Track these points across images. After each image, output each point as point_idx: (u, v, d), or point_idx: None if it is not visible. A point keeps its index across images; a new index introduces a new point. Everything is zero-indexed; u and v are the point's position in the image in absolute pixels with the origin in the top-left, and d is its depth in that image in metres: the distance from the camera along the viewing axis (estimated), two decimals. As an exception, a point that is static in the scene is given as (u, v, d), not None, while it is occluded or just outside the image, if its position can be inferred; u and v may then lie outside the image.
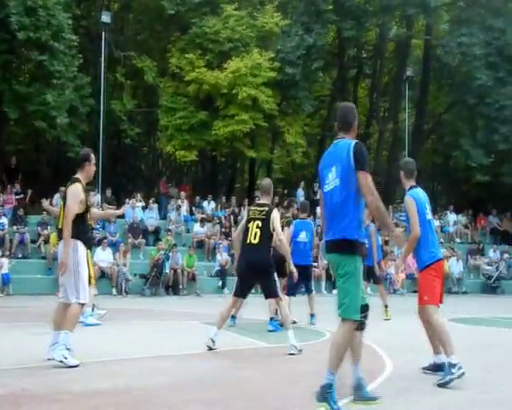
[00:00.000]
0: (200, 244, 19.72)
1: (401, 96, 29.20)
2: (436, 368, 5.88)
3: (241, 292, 7.59)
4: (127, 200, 20.86)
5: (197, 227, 20.21)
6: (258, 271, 7.35)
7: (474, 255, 22.81)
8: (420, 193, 5.98)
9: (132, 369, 6.12)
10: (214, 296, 17.04)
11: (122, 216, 19.83)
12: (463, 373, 5.40)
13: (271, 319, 9.36)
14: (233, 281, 19.00)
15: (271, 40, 24.92)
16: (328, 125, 30.29)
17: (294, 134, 24.79)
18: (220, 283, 18.12)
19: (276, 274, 7.45)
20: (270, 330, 9.20)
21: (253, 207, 7.73)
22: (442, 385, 5.40)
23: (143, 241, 19.08)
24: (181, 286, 17.69)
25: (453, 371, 5.39)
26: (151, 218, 20.21)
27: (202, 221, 20.39)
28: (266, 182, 8.17)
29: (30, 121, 21.35)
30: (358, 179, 4.29)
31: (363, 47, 31.38)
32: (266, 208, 7.50)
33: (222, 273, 18.22)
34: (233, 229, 20.56)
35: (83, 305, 6.38)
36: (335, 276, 4.54)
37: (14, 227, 17.72)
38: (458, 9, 27.50)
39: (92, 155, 6.64)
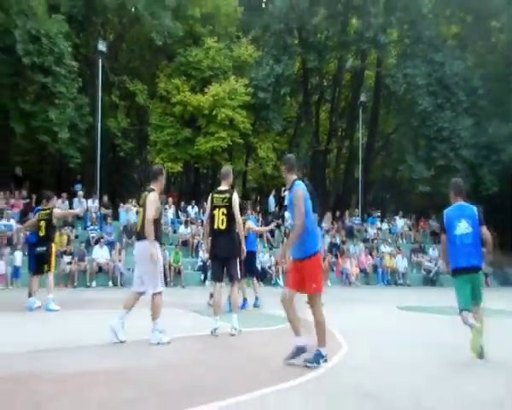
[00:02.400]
0: (185, 243, 19.62)
1: (356, 118, 29.50)
2: (298, 351, 5.44)
3: (219, 276, 7.42)
4: (121, 204, 20.71)
5: (182, 228, 20.11)
6: (225, 255, 7.28)
7: (417, 253, 23.16)
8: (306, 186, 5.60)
9: (125, 351, 6.08)
10: (197, 288, 16.98)
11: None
12: (325, 361, 5.30)
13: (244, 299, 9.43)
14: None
15: (246, 69, 24.98)
16: (295, 143, 30.48)
17: (266, 149, 24.88)
18: (202, 276, 18.04)
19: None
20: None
21: (216, 195, 7.38)
22: (308, 365, 5.22)
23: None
24: (168, 279, 17.53)
25: (320, 361, 5.25)
26: (142, 220, 20.04)
27: (187, 223, 20.30)
28: (225, 168, 7.88)
29: (35, 136, 21.02)
30: (483, 230, 6.03)
31: (324, 76, 31.63)
32: (228, 195, 7.28)
33: (204, 268, 18.14)
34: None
35: (160, 292, 6.57)
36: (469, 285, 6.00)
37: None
38: (404, 45, 27.93)
39: (164, 170, 6.97)
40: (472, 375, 5.22)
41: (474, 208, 6.08)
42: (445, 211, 6.20)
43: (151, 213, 6.34)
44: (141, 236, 6.51)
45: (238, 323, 7.22)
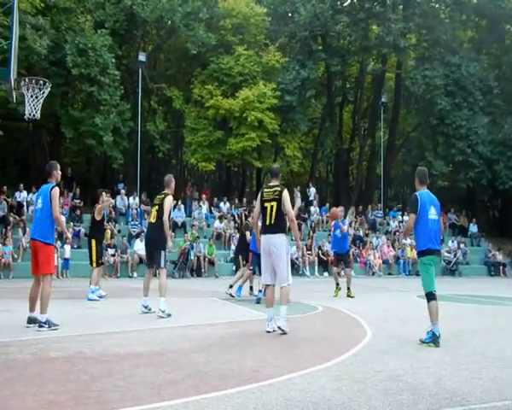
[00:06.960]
0: (218, 236, 19.69)
1: (377, 118, 29.08)
2: (32, 320, 6.38)
3: (150, 263, 8.06)
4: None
5: (217, 223, 20.17)
6: (152, 245, 7.66)
7: (436, 245, 22.67)
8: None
9: (165, 336, 6.12)
10: (230, 278, 17.01)
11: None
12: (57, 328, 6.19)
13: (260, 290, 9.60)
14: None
15: (273, 74, 24.88)
16: (320, 142, 30.25)
17: (292, 149, 24.78)
18: (234, 267, 18.08)
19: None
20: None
21: (157, 196, 7.85)
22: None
23: (173, 234, 19.03)
24: (203, 270, 17.68)
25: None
26: (179, 216, 20.21)
27: (220, 218, 20.36)
28: (167, 177, 8.06)
29: (82, 139, 21.46)
30: (441, 220, 6.24)
31: (347, 79, 31.27)
32: (162, 196, 7.66)
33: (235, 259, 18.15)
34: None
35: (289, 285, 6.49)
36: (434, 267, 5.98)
37: (71, 223, 17.78)
38: (423, 49, 27.36)
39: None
40: (491, 359, 5.06)
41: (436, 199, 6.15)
42: (417, 194, 6.04)
43: (290, 209, 6.38)
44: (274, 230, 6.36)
45: (165, 306, 7.54)
